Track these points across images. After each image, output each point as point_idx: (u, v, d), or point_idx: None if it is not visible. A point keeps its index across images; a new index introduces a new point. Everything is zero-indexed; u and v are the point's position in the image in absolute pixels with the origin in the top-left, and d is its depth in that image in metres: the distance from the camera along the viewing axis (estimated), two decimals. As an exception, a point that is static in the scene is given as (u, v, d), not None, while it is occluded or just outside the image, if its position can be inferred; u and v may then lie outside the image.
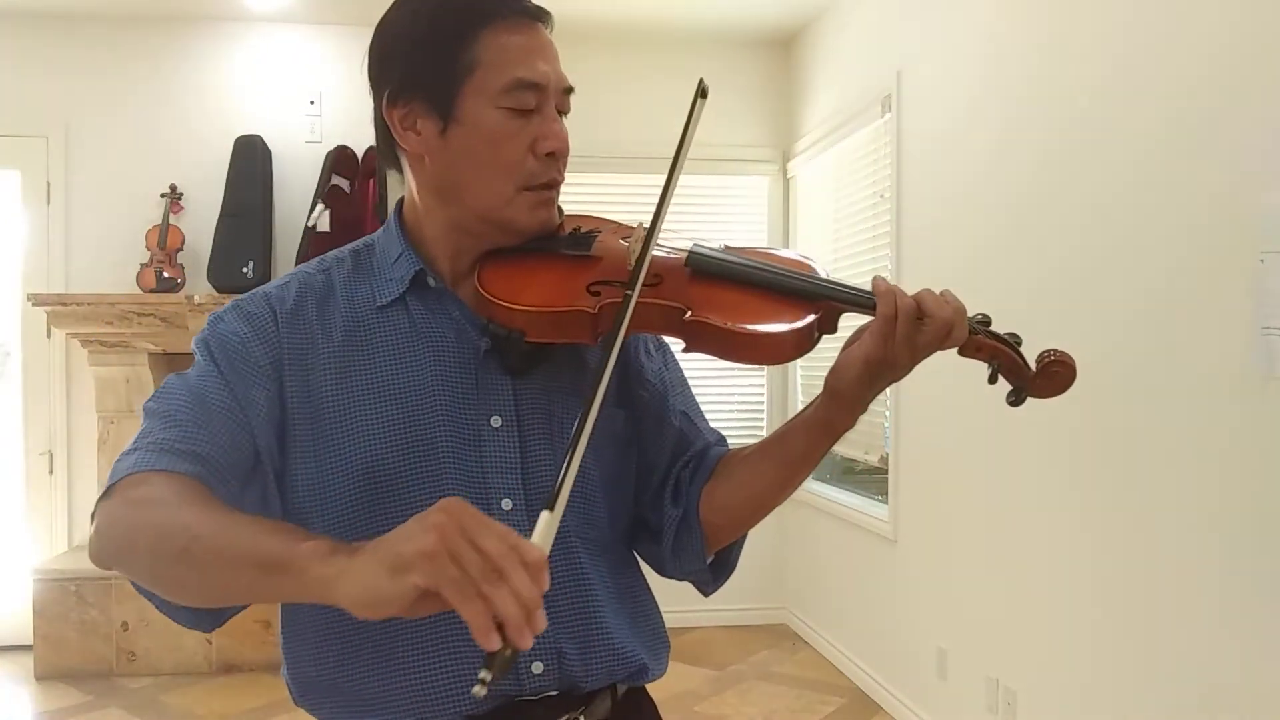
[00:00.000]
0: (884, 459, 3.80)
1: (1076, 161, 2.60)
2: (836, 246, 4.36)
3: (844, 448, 4.22)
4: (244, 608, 0.99)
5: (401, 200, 1.14)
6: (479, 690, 0.72)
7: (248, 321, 1.05)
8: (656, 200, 1.04)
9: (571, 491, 1.07)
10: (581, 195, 4.57)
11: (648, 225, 1.05)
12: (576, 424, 0.88)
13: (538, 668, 1.03)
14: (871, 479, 4.19)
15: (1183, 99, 2.22)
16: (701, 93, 1.04)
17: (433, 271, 1.09)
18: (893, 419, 3.73)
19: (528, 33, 1.04)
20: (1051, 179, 2.71)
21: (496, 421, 1.06)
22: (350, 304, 1.09)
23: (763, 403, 4.92)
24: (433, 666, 1.01)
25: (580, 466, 1.08)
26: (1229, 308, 2.06)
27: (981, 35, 3.10)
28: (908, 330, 0.99)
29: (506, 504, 1.04)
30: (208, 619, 0.99)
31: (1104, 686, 2.48)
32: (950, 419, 3.23)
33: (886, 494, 3.77)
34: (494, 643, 0.72)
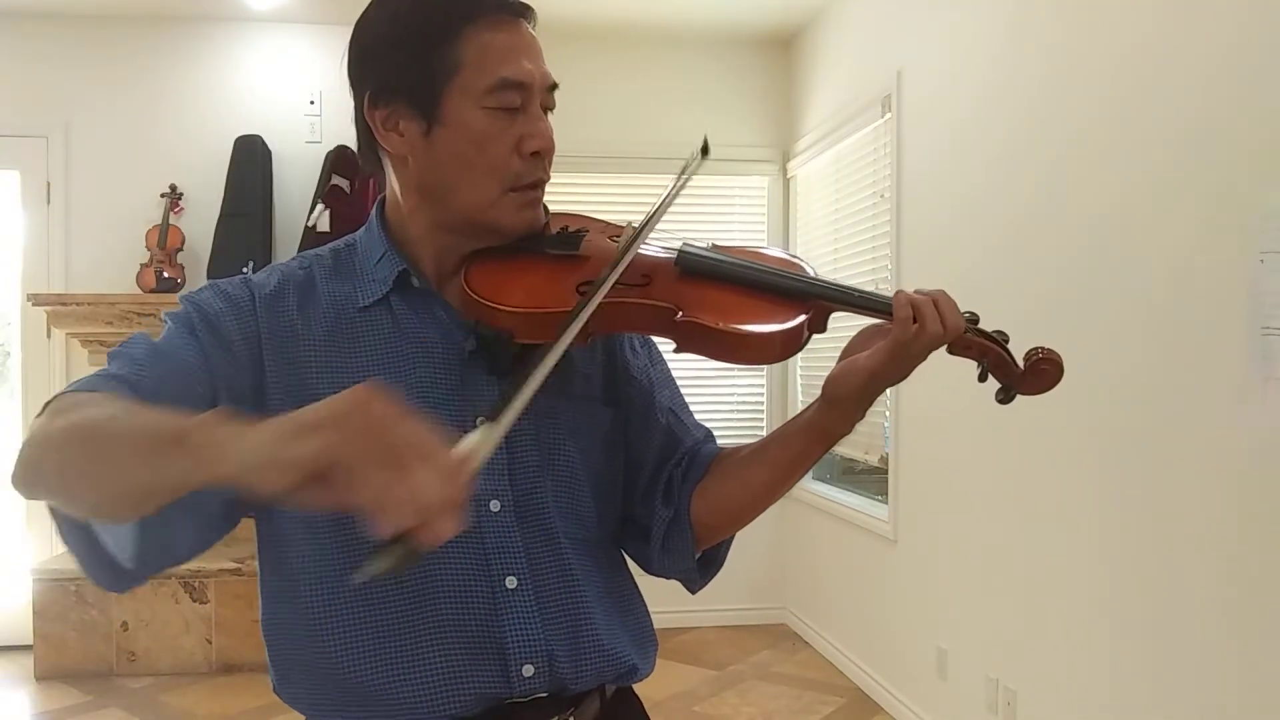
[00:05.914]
0: (884, 459, 3.80)
1: (1076, 161, 2.60)
2: (836, 247, 4.35)
3: (844, 448, 4.21)
4: (173, 564, 0.94)
5: (383, 200, 1.12)
6: (356, 578, 0.69)
7: (224, 299, 1.03)
8: (656, 202, 1.04)
9: (559, 491, 1.07)
10: (583, 196, 4.58)
11: (638, 225, 1.05)
12: (540, 357, 0.90)
13: (528, 670, 1.01)
14: (871, 479, 4.19)
15: (1183, 98, 2.22)
16: (703, 150, 1.07)
17: (417, 272, 1.07)
18: (893, 419, 3.73)
19: (511, 30, 1.02)
20: (1051, 179, 2.71)
21: (481, 423, 1.05)
22: (332, 303, 1.07)
23: (763, 403, 4.91)
24: (426, 665, 0.99)
25: (568, 466, 1.08)
26: (1229, 308, 2.06)
27: (982, 35, 3.10)
28: (922, 349, 1.01)
29: (495, 505, 1.03)
30: (125, 576, 0.92)
31: (1104, 686, 2.48)
32: (950, 419, 3.23)
33: (886, 494, 3.77)
34: (388, 528, 0.66)
